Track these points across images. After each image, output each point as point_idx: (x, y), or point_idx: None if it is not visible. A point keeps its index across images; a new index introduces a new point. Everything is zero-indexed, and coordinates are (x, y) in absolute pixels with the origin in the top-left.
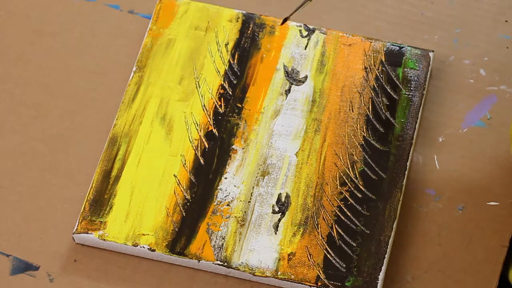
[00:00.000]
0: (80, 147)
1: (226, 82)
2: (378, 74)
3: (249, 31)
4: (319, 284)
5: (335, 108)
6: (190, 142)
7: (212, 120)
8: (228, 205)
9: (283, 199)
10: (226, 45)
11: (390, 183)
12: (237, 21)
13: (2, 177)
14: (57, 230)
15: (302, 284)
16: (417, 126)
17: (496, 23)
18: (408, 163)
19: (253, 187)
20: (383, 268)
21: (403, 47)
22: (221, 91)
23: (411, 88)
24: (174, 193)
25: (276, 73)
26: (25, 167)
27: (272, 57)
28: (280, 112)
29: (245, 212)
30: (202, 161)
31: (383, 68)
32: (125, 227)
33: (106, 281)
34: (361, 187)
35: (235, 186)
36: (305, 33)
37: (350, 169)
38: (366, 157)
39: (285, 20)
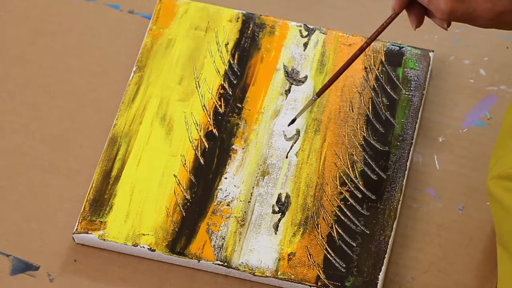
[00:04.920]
0: (80, 147)
1: (226, 82)
2: (378, 74)
3: (249, 31)
4: (319, 284)
5: (335, 108)
6: (190, 142)
7: (212, 120)
8: (228, 205)
9: (283, 199)
10: (226, 45)
11: (390, 183)
12: (237, 21)
13: (2, 177)
14: (57, 230)
15: (302, 284)
16: (417, 126)
17: None
18: (408, 163)
19: (253, 187)
20: (383, 268)
21: (403, 47)
22: (221, 91)
23: (411, 88)
24: (174, 193)
25: (276, 73)
26: (25, 167)
27: (272, 57)
28: (280, 112)
29: (245, 212)
30: (202, 161)
31: (383, 68)
32: (125, 227)
33: (106, 281)
34: (361, 187)
35: (235, 186)
36: (305, 33)
37: (350, 169)
38: (366, 157)
39: (292, 121)
